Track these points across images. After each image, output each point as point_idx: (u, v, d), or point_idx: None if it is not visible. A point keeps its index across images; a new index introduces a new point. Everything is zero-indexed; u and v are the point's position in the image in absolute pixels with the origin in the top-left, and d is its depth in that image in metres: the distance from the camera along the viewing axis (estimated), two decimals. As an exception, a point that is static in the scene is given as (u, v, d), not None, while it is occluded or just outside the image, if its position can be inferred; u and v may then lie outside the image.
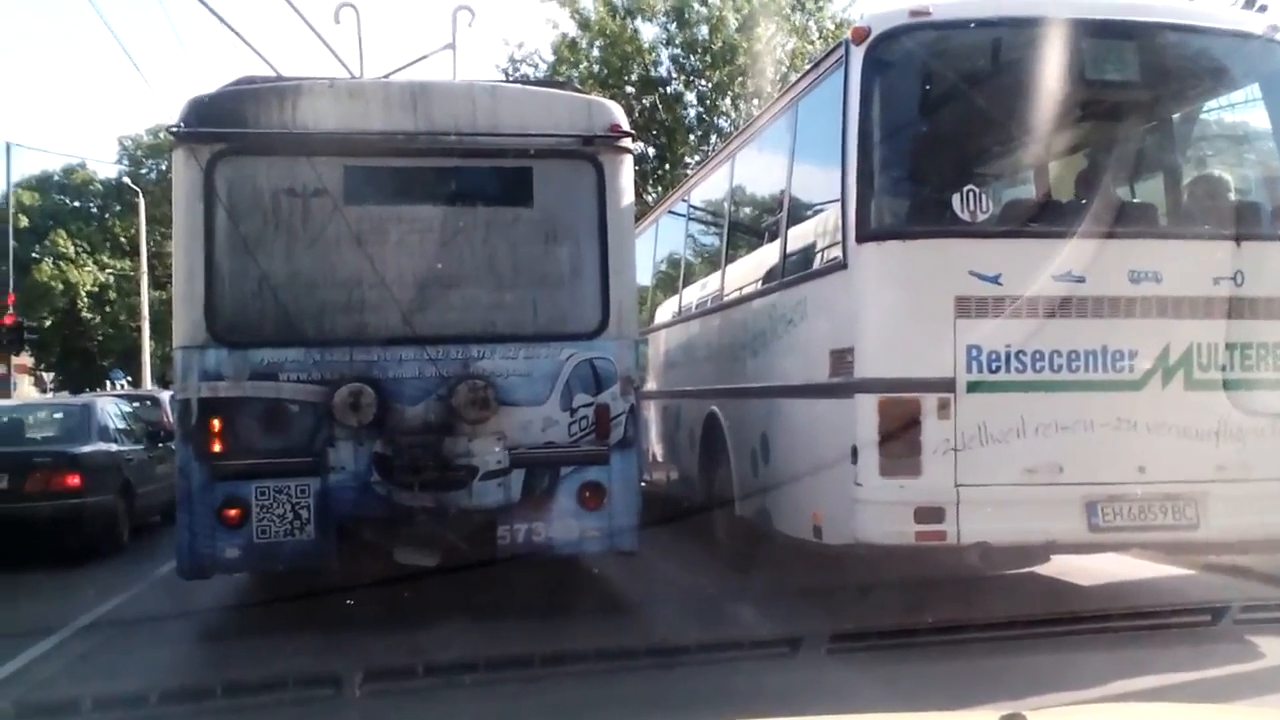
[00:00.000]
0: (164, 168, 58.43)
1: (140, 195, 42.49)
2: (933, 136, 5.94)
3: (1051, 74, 5.62)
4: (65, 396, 40.29)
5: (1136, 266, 5.46)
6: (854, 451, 5.49)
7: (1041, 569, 7.00)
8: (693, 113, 24.60)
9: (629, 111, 23.49)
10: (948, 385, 5.39)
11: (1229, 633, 5.06)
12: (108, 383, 49.06)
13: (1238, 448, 5.51)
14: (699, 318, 9.12)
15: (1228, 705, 2.05)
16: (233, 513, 6.20)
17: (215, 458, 6.19)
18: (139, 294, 41.77)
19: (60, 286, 50.93)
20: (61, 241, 51.83)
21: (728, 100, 24.10)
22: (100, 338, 52.90)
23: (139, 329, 41.62)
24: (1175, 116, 6.23)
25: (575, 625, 6.08)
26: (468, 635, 5.93)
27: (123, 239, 53.36)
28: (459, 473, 6.37)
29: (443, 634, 5.96)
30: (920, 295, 5.49)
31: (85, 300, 51.91)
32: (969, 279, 5.40)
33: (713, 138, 23.66)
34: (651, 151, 24.36)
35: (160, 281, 51.88)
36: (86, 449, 10.33)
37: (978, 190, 5.48)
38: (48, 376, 57.94)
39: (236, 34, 8.11)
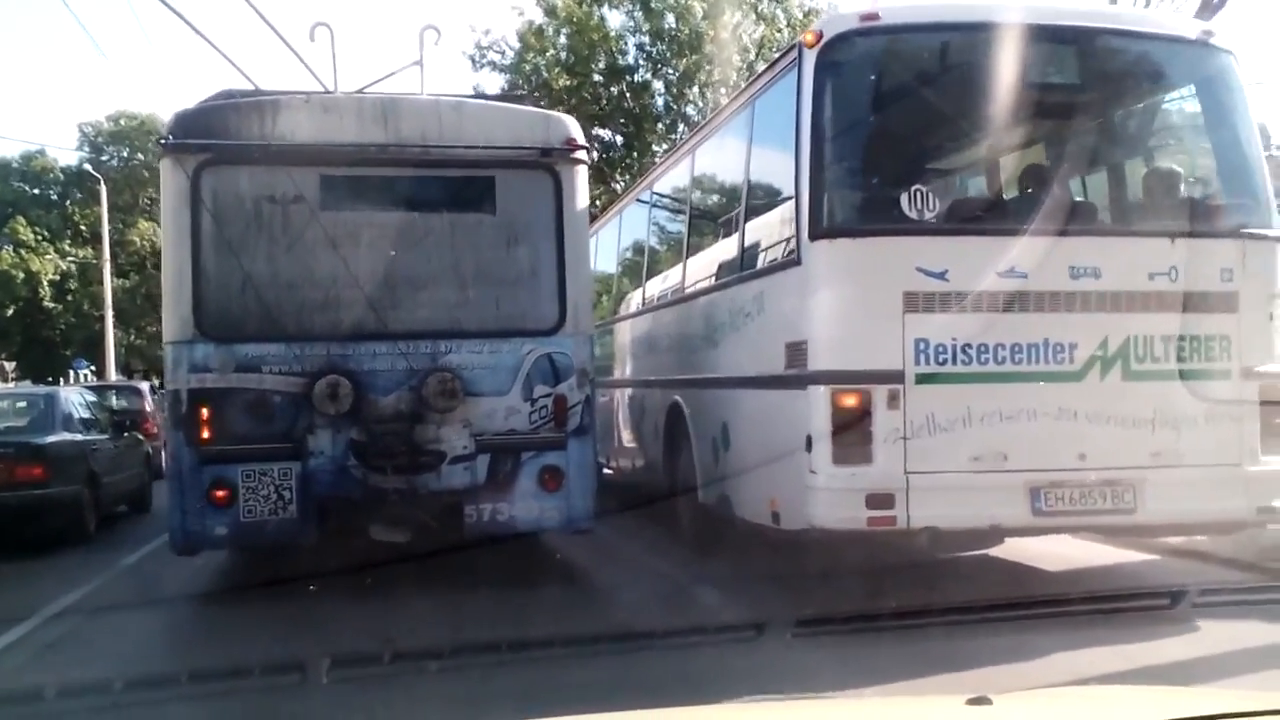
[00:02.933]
0: (124, 154, 57.16)
1: (101, 183, 41.84)
2: (882, 137, 6.14)
3: (996, 77, 5.84)
4: (28, 386, 40.10)
5: (1077, 263, 5.69)
6: (808, 440, 5.70)
7: (1001, 553, 7.26)
8: (660, 101, 24.71)
9: (596, 100, 23.28)
10: (897, 377, 5.61)
11: (1187, 616, 5.22)
12: (70, 372, 48.54)
13: (1173, 435, 5.76)
14: (662, 309, 9.29)
15: (1187, 688, 2.04)
16: (221, 494, 6.69)
17: (204, 444, 6.68)
18: (101, 282, 40.98)
19: (21, 275, 50.24)
20: (21, 229, 51.13)
21: (695, 89, 24.19)
22: (63, 326, 52.36)
23: (102, 318, 40.88)
24: (1115, 117, 6.45)
25: (542, 610, 6.32)
26: (435, 620, 6.13)
27: (83, 227, 53.00)
28: (429, 457, 6.87)
29: (410, 619, 6.18)
30: (870, 290, 5.69)
31: (47, 289, 51.31)
32: (917, 275, 5.61)
33: (680, 126, 23.71)
34: (619, 140, 24.47)
35: (123, 270, 52.55)
36: (51, 439, 10.34)
37: (925, 189, 5.70)
38: (9, 366, 56.89)
39: (214, 47, 8.20)
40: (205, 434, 6.68)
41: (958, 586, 6.37)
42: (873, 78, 6.08)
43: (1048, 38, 5.95)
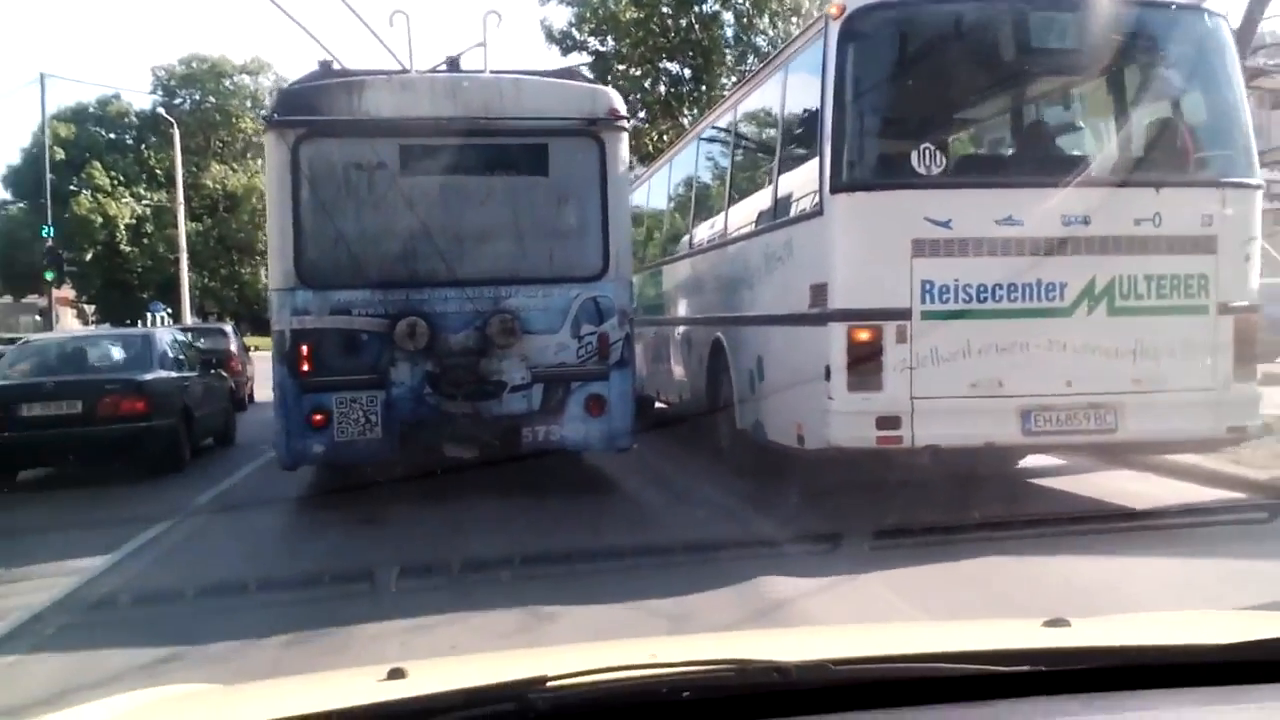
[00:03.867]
0: (196, 98, 57.89)
1: (175, 126, 41.44)
2: (897, 100, 6.83)
3: (1001, 44, 6.54)
4: (123, 328, 41.45)
5: (1068, 211, 6.38)
6: (827, 371, 6.49)
7: (1074, 487, 8.02)
8: (729, 32, 23.95)
9: (664, 32, 22.89)
10: (905, 314, 6.37)
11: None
12: (148, 314, 49.40)
13: (1151, 364, 6.48)
14: (708, 252, 10.07)
15: (1262, 611, 1.94)
16: (319, 418, 7.80)
17: (304, 375, 7.79)
18: (176, 226, 40.83)
19: (99, 219, 51.09)
20: (98, 174, 51.88)
21: (765, 18, 23.41)
22: (139, 270, 52.85)
23: (177, 261, 40.70)
24: (1110, 78, 7.07)
25: (609, 526, 7.30)
26: (500, 527, 7.11)
27: (158, 171, 53.18)
28: (492, 386, 7.98)
29: (477, 526, 7.18)
30: (883, 238, 6.43)
31: (123, 233, 52.14)
32: (924, 224, 6.34)
33: (750, 57, 22.95)
34: (688, 73, 23.96)
35: (196, 214, 52.95)
36: (150, 376, 11.07)
37: (933, 147, 6.40)
38: (89, 309, 58.04)
39: (308, 33, 9.22)
40: (305, 367, 7.77)
41: (1027, 504, 7.15)
42: (889, 47, 6.76)
43: (1049, 6, 6.60)
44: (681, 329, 10.72)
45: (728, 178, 9.80)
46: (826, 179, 6.59)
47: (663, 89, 23.57)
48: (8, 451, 10.29)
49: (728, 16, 23.80)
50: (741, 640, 1.69)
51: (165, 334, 13.55)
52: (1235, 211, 6.53)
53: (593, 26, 23.44)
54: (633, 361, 8.39)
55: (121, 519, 8.02)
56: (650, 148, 21.67)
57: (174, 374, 11.76)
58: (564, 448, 8.15)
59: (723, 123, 10.19)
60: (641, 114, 23.19)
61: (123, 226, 52.05)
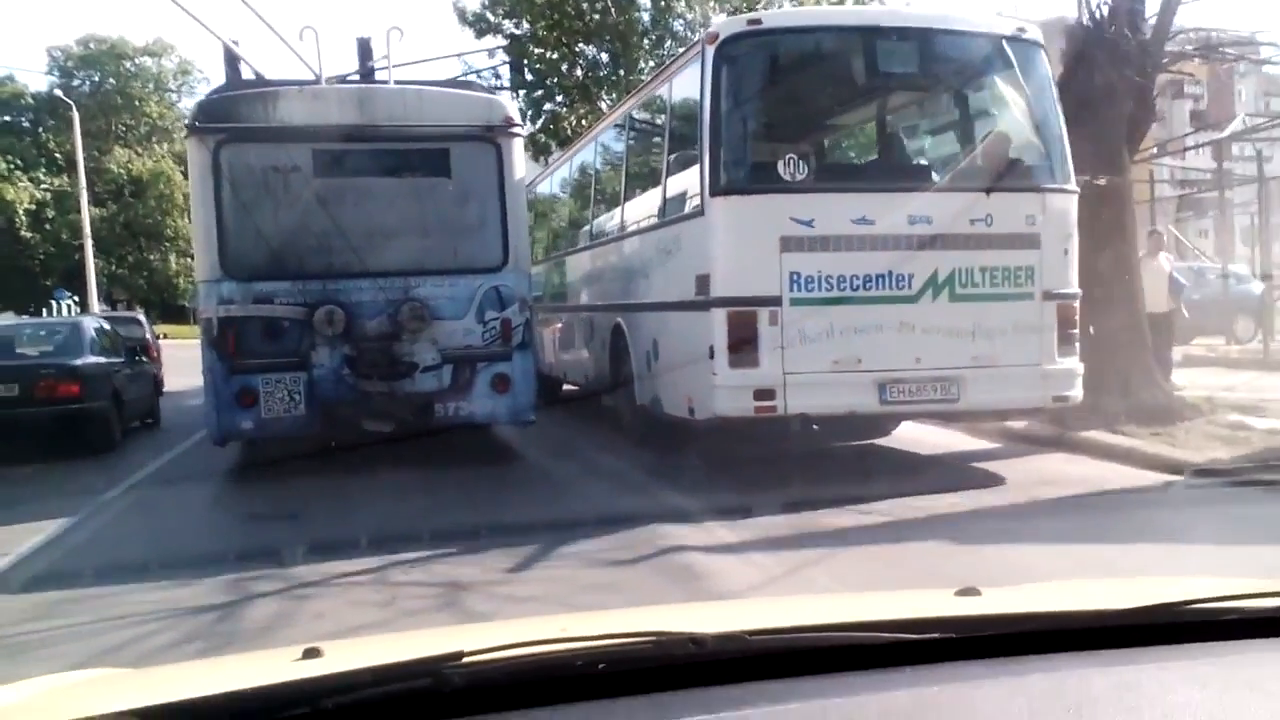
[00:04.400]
0: (96, 79, 56.72)
1: (74, 109, 39.98)
2: (765, 115, 7.80)
3: (853, 67, 7.53)
4: (11, 318, 40.46)
5: (913, 212, 7.40)
6: (711, 350, 7.42)
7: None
8: (646, 16, 23.65)
9: (579, 15, 22.38)
10: (776, 301, 7.31)
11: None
12: (52, 303, 48.62)
13: (987, 343, 7.54)
14: (607, 245, 10.92)
15: (1171, 578, 2.02)
16: (247, 398, 8.45)
17: (232, 359, 8.41)
18: (79, 211, 39.80)
19: None
20: None
21: (681, 2, 23.21)
22: (41, 256, 51.52)
23: (81, 247, 39.50)
24: (946, 97, 8.13)
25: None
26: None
27: (58, 155, 51.81)
28: (405, 367, 8.67)
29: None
30: (756, 235, 7.36)
31: (23, 219, 50.63)
32: (790, 223, 7.29)
33: (668, 41, 22.85)
34: (604, 58, 23.60)
35: (101, 199, 51.61)
36: (82, 361, 11.64)
37: (796, 156, 7.38)
38: None
39: (224, 41, 9.92)
40: (232, 351, 8.41)
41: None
42: (758, 69, 7.71)
43: (893, 36, 7.61)
44: (586, 315, 11.55)
45: (624, 177, 10.68)
46: (707, 184, 7.51)
47: (580, 73, 23.31)
48: None
49: (644, 0, 23.50)
50: (658, 614, 1.76)
51: (92, 322, 14.00)
52: (1054, 213, 7.63)
53: (506, 9, 23.18)
54: (533, 344, 9.27)
55: (63, 493, 8.56)
56: (569, 131, 21.68)
57: (103, 359, 12.24)
58: (473, 422, 8.98)
59: (619, 126, 11.08)
60: (559, 98, 23.34)
61: (21, 212, 50.46)
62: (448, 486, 8.31)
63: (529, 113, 22.84)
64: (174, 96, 59.39)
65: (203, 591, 5.33)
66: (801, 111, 7.99)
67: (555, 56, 22.98)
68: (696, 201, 7.78)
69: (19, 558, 6.41)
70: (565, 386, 13.43)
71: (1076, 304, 7.80)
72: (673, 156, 8.58)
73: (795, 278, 7.33)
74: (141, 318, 21.44)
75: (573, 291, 12.22)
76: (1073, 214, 7.80)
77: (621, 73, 22.46)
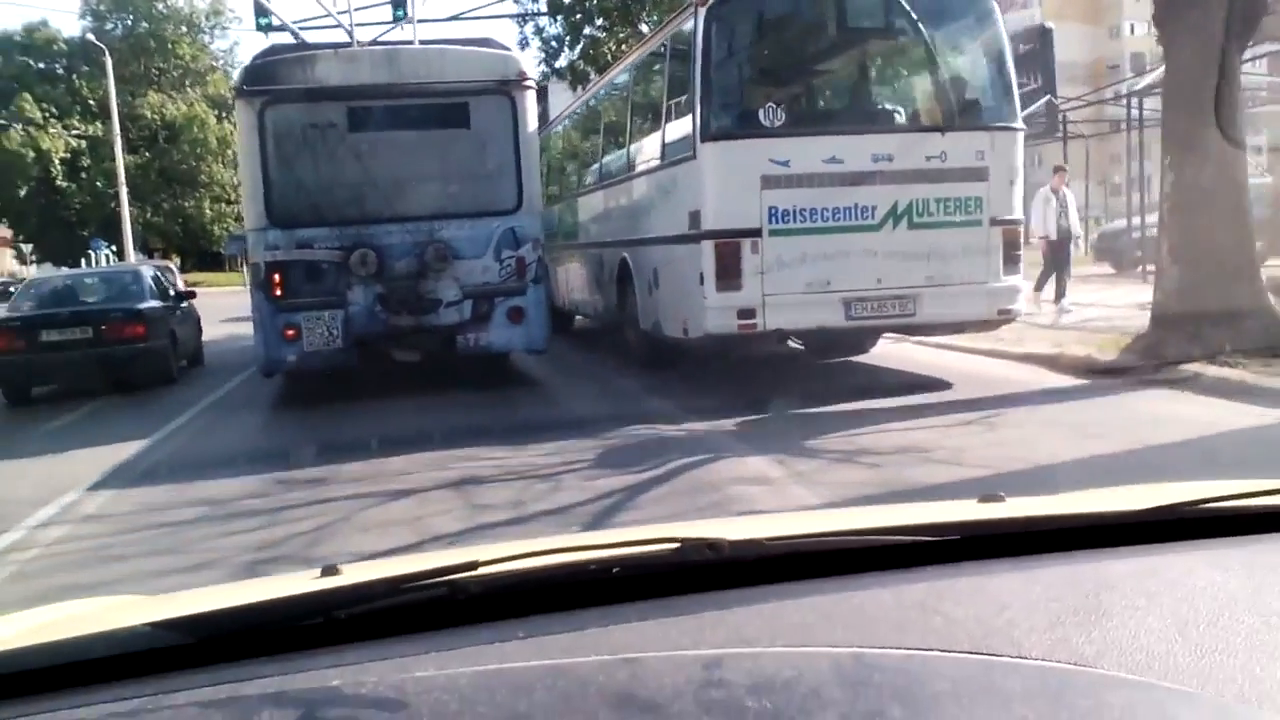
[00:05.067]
0: (129, 23, 55.64)
1: (106, 54, 39.80)
2: (749, 68, 8.88)
3: (825, 23, 8.60)
4: (50, 269, 41.10)
5: (876, 151, 8.48)
6: (701, 277, 8.56)
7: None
8: None
9: None
10: (757, 233, 8.43)
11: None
12: (90, 253, 47.37)
13: (940, 265, 8.63)
14: (613, 186, 11.99)
15: (1184, 483, 1.77)
16: (290, 332, 9.45)
17: (277, 298, 9.43)
18: (114, 159, 39.61)
19: (31, 154, 49.02)
20: (28, 106, 49.67)
21: None
22: (78, 206, 50.98)
23: (116, 196, 39.63)
24: (908, 47, 9.14)
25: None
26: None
27: (92, 101, 51.02)
28: (430, 303, 9.60)
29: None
30: (740, 175, 8.45)
31: (59, 168, 50.11)
32: (769, 164, 8.38)
33: None
34: None
35: (135, 145, 50.57)
36: (145, 305, 13.01)
37: (774, 105, 8.48)
38: (26, 249, 56.05)
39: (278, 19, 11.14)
40: (278, 292, 9.39)
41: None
42: (742, 28, 8.77)
43: (860, -7, 8.68)
44: (595, 252, 12.63)
45: (628, 123, 11.77)
46: (697, 130, 8.62)
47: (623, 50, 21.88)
48: (31, 370, 12.19)
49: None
50: (673, 527, 1.67)
51: (148, 270, 15.34)
52: (1001, 148, 8.68)
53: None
54: (546, 279, 10.30)
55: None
56: (609, 56, 20.66)
57: (160, 304, 13.54)
58: (491, 350, 9.95)
59: (622, 78, 12.15)
60: (598, 21, 22.32)
61: (58, 161, 50.19)
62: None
63: (567, 38, 22.06)
64: (206, 38, 58.39)
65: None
66: (779, 64, 9.04)
67: None
68: (689, 147, 8.89)
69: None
70: (577, 319, 14.63)
71: (1020, 229, 8.91)
72: (669, 104, 9.67)
73: (773, 211, 8.44)
74: (174, 267, 22.76)
75: (583, 230, 13.31)
76: (1019, 149, 8.86)
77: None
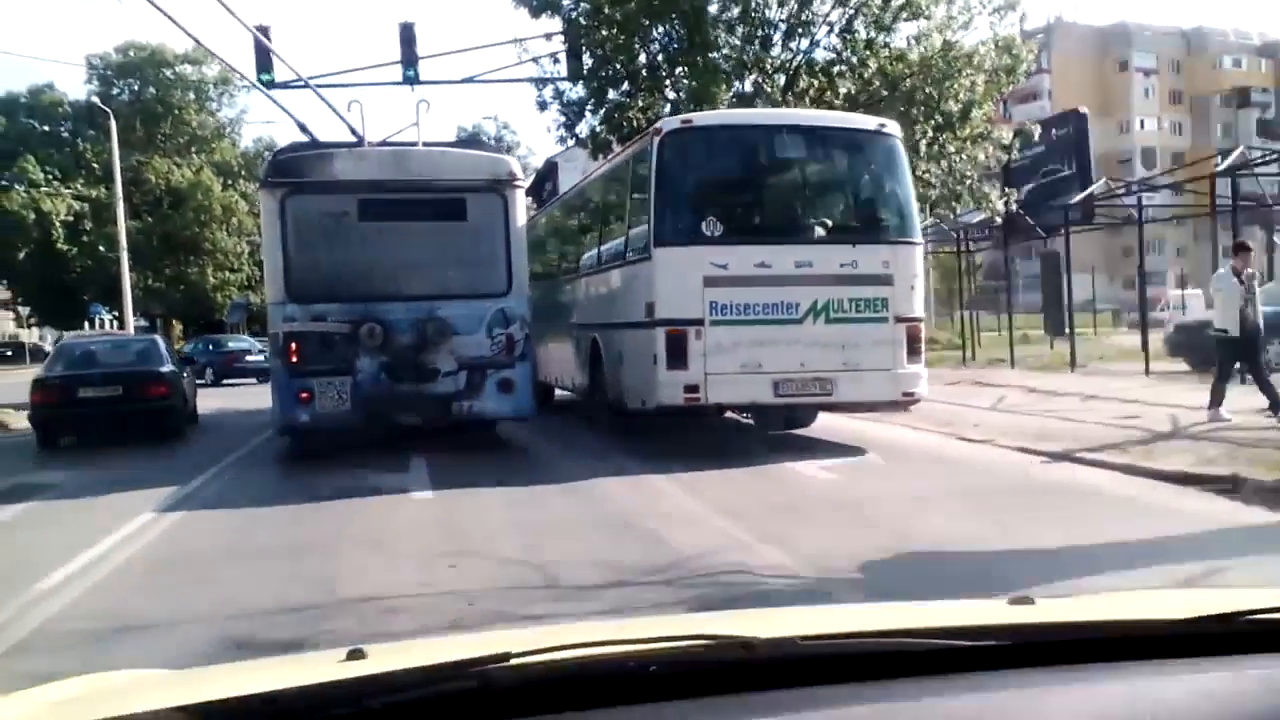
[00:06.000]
0: (135, 88, 53.09)
1: (111, 118, 37.94)
2: (695, 187, 10.71)
3: (757, 153, 10.46)
4: (67, 334, 40.65)
5: (799, 258, 10.27)
6: (654, 357, 10.23)
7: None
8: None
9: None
10: (700, 322, 10.10)
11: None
12: (90, 318, 47.70)
13: (854, 353, 10.33)
14: (588, 275, 13.69)
15: (1221, 589, 1.82)
16: (305, 396, 10.51)
17: (294, 365, 10.51)
18: (116, 223, 37.48)
19: (32, 216, 46.85)
20: (31, 168, 47.56)
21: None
22: (78, 270, 48.84)
23: (118, 260, 37.25)
24: (826, 175, 11.08)
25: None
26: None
27: (95, 165, 48.68)
28: (430, 373, 10.65)
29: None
30: (686, 274, 10.15)
31: (60, 230, 47.77)
32: (710, 266, 10.11)
33: (741, 28, 19.73)
34: (675, 35, 20.29)
35: (138, 210, 48.61)
36: (166, 369, 14.80)
37: (715, 219, 10.30)
38: (23, 311, 54.47)
39: (282, 108, 12.82)
40: (294, 359, 10.45)
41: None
42: (691, 155, 10.57)
43: (787, 131, 10.57)
44: (573, 333, 14.17)
45: (600, 223, 13.58)
46: (652, 236, 10.42)
47: (645, 57, 20.73)
48: (69, 422, 13.79)
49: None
50: (706, 620, 1.75)
51: (160, 339, 17.35)
52: (903, 259, 10.50)
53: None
54: (532, 354, 11.57)
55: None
56: (633, 125, 19.72)
57: (173, 368, 15.30)
58: (483, 417, 11.08)
59: (594, 183, 14.11)
60: (624, 86, 21.01)
61: (59, 223, 47.76)
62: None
63: (589, 104, 21.29)
64: (214, 104, 56.61)
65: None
66: (720, 185, 10.85)
67: (619, 36, 20.12)
68: (646, 249, 10.66)
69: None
70: (557, 392, 16.32)
71: (921, 325, 10.70)
72: (631, 211, 11.50)
73: (714, 305, 10.16)
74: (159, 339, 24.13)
75: (562, 313, 14.91)
76: (918, 260, 10.70)
77: (697, 59, 19.44)
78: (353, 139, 12.13)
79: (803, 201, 10.89)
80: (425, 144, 12.19)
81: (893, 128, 10.81)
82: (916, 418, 12.01)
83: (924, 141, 18.72)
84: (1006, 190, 21.41)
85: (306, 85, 14.90)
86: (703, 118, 11.03)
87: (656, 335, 10.28)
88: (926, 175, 18.86)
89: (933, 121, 18.73)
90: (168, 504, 8.87)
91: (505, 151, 19.90)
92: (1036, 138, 23.03)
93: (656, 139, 10.42)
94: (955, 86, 18.35)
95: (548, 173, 47.73)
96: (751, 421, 12.52)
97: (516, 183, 11.30)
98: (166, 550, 7.18)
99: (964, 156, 19.22)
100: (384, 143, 12.98)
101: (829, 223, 10.79)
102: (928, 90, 18.57)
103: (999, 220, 21.79)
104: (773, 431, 12.30)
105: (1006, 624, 1.56)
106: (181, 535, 7.65)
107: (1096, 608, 1.75)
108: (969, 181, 19.82)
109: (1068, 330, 21.60)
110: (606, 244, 12.93)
